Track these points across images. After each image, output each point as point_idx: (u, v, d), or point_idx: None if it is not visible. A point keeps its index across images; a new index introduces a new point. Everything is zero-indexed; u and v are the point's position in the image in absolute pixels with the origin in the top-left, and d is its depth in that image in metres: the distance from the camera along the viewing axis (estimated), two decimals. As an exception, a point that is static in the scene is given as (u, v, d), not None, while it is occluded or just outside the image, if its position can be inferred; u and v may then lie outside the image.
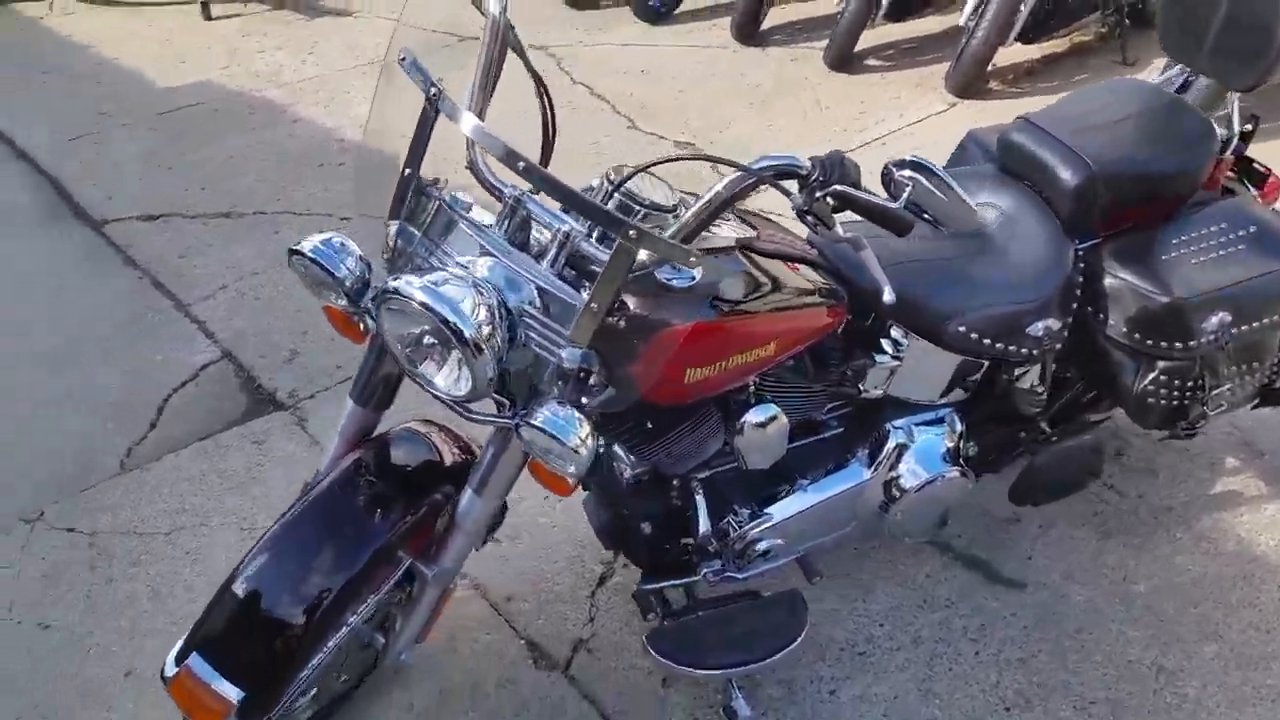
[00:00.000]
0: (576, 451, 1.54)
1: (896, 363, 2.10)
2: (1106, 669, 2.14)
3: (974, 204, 2.17)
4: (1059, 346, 2.11)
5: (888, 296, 1.65)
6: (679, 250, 1.51)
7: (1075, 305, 2.10)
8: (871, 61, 4.84)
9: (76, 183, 4.28)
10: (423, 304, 1.50)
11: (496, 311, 1.56)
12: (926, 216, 1.62)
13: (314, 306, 2.74)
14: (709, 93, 4.72)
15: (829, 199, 1.59)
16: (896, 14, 4.71)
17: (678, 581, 2.07)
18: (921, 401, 2.18)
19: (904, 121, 4.32)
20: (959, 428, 2.17)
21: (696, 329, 1.63)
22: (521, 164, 1.49)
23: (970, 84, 4.37)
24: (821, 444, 2.14)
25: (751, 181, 1.57)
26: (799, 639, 2.00)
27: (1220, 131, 2.23)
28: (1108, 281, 2.09)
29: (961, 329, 1.99)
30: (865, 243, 1.65)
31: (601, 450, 1.96)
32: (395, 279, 1.56)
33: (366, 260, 1.69)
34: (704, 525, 2.02)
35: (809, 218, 1.59)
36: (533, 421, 1.54)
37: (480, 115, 1.75)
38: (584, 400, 1.65)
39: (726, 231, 1.85)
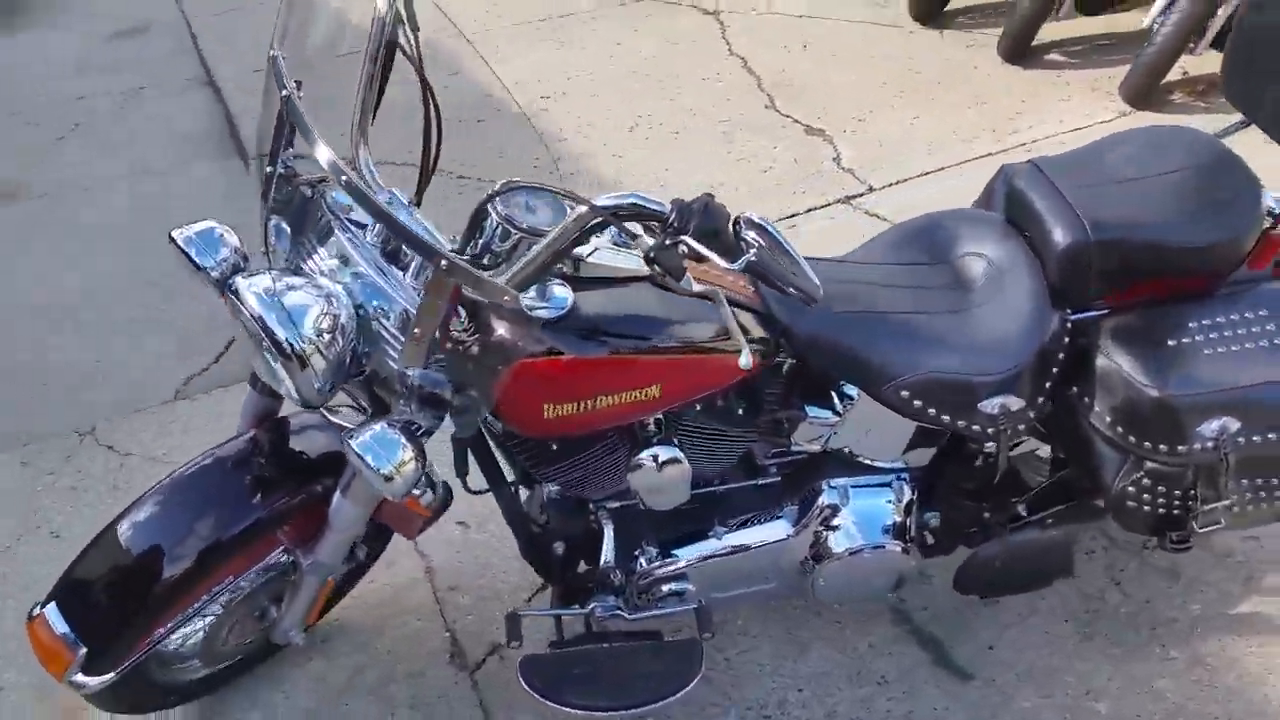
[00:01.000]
0: (389, 479, 1.55)
1: (836, 418, 1.96)
2: None
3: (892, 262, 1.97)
4: (1023, 428, 1.89)
5: (744, 360, 1.52)
6: (493, 288, 1.47)
7: (1051, 385, 1.86)
8: (1052, 56, 4.41)
9: (243, 116, 4.59)
10: (251, 312, 1.52)
11: (344, 325, 1.57)
12: (778, 284, 1.48)
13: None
14: (865, 76, 4.47)
15: (681, 248, 1.48)
16: (1090, 7, 4.27)
17: (557, 612, 2.03)
18: (873, 461, 2.02)
19: (1062, 128, 3.93)
20: (906, 496, 2.00)
21: (534, 365, 1.58)
22: (344, 178, 1.47)
23: (1146, 93, 3.90)
24: (752, 490, 2.03)
25: (597, 221, 1.48)
26: (679, 694, 1.93)
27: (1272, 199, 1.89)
28: (1099, 362, 1.83)
29: (905, 393, 1.82)
30: (722, 299, 1.53)
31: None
32: (244, 277, 1.58)
33: (243, 252, 1.71)
34: (608, 556, 1.98)
35: (655, 267, 1.48)
36: (351, 440, 1.55)
37: (364, 121, 1.73)
38: (434, 422, 1.65)
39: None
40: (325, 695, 2.17)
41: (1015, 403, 1.84)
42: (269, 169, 1.64)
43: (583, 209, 1.48)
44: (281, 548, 1.86)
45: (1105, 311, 1.87)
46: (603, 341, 1.63)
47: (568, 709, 1.89)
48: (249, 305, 1.52)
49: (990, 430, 1.87)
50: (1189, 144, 1.93)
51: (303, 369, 1.54)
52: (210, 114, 4.65)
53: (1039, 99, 4.15)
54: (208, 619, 1.93)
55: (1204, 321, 1.82)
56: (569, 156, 4.08)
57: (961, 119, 4.08)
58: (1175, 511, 1.89)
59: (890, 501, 1.99)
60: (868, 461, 2.03)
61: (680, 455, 1.82)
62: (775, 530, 1.99)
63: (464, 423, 1.69)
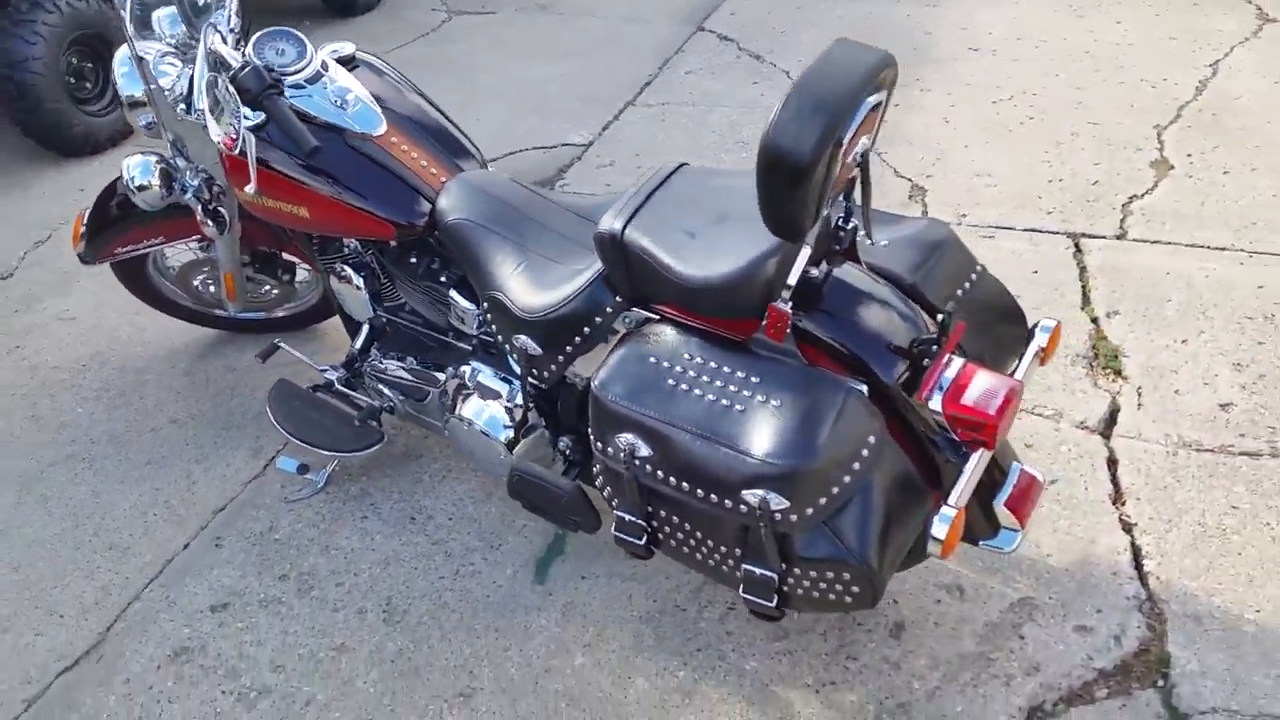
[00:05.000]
0: (132, 191, 2.40)
1: (476, 310, 2.26)
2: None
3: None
4: (545, 374, 2.06)
5: (248, 190, 2.05)
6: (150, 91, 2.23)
7: (573, 350, 2.00)
8: None
9: (723, 3, 5.29)
10: (112, 69, 2.43)
11: (174, 92, 2.35)
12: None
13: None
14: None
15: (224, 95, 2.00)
16: None
17: (301, 358, 2.65)
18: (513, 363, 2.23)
19: None
20: (516, 400, 2.24)
21: (229, 158, 2.21)
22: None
23: None
24: (457, 345, 2.40)
25: (234, 62, 2.06)
26: (336, 452, 2.51)
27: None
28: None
29: (485, 304, 2.11)
30: (250, 161, 2.04)
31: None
32: (126, 48, 2.37)
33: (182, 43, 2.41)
34: (356, 344, 2.57)
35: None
36: (128, 156, 2.43)
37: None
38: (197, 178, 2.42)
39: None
40: (252, 373, 3.02)
41: (533, 347, 2.01)
42: None
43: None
44: (200, 235, 2.73)
45: (657, 317, 1.89)
46: (278, 159, 2.15)
47: (273, 420, 2.57)
48: (113, 64, 2.42)
49: (522, 364, 2.08)
50: None
51: (130, 109, 2.42)
52: (703, 3, 5.37)
53: None
54: (176, 261, 2.93)
55: (696, 359, 1.75)
56: (907, 106, 4.11)
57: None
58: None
59: (497, 399, 2.23)
60: (509, 361, 2.27)
61: (352, 276, 2.38)
62: (434, 378, 2.40)
63: (197, 184, 2.41)
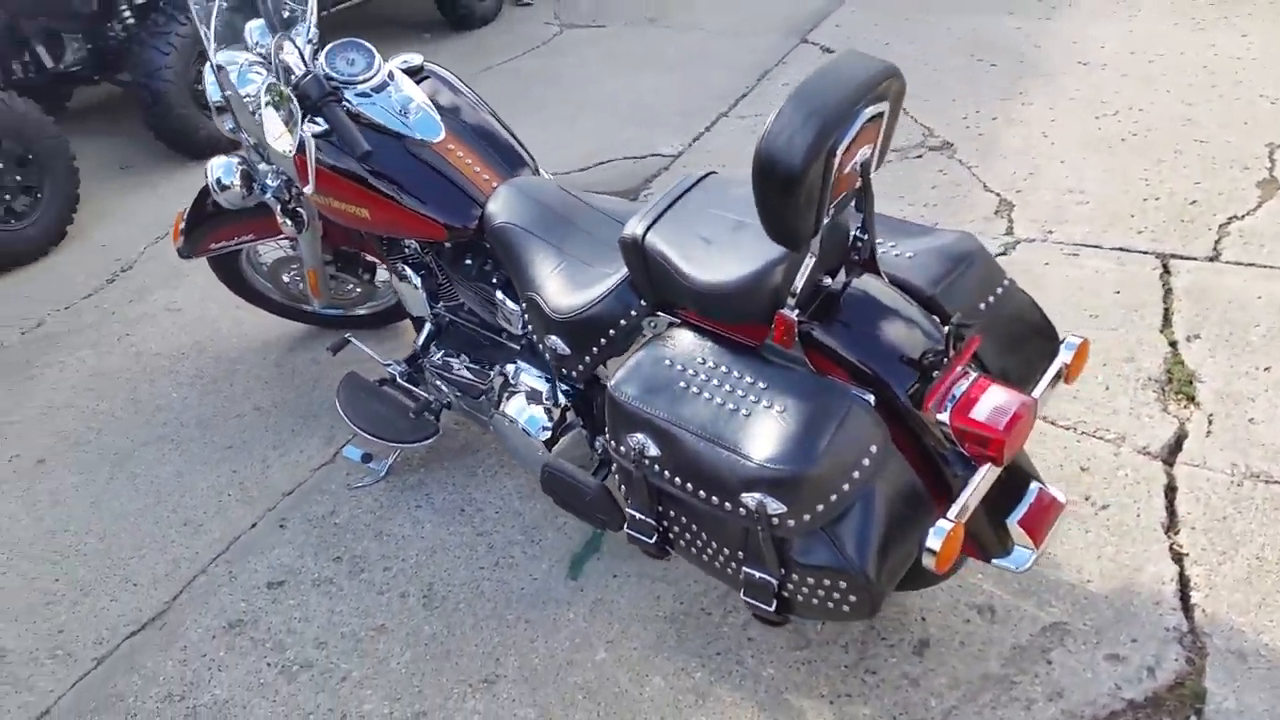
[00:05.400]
0: (214, 189, 2.57)
1: (517, 309, 2.34)
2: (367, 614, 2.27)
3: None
4: (574, 373, 2.11)
5: (306, 188, 2.17)
6: (230, 96, 2.36)
7: (599, 350, 2.05)
8: None
9: (837, 12, 5.29)
10: (205, 71, 2.61)
11: (254, 97, 2.51)
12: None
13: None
14: None
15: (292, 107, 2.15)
16: None
17: (368, 352, 2.78)
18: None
19: None
20: (555, 399, 2.30)
21: (298, 159, 2.38)
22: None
23: None
24: (508, 345, 2.51)
25: (297, 70, 2.21)
26: (396, 443, 2.63)
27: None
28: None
29: (524, 304, 2.20)
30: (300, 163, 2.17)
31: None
32: (213, 58, 2.57)
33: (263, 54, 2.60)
34: (419, 342, 2.69)
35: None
36: (212, 159, 2.60)
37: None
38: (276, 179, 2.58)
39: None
40: (335, 366, 3.10)
41: (562, 347, 2.08)
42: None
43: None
44: (284, 235, 2.89)
45: (678, 321, 1.93)
46: (343, 162, 2.28)
47: (340, 410, 2.70)
48: (204, 71, 2.59)
49: (553, 363, 2.14)
50: None
51: (217, 114, 2.59)
52: (810, 15, 5.39)
53: None
54: (269, 257, 3.11)
55: (708, 363, 1.77)
56: (1006, 119, 4.04)
57: None
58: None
59: (538, 399, 2.29)
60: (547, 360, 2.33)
61: (411, 275, 2.49)
62: (487, 375, 2.49)
63: (276, 185, 2.56)
